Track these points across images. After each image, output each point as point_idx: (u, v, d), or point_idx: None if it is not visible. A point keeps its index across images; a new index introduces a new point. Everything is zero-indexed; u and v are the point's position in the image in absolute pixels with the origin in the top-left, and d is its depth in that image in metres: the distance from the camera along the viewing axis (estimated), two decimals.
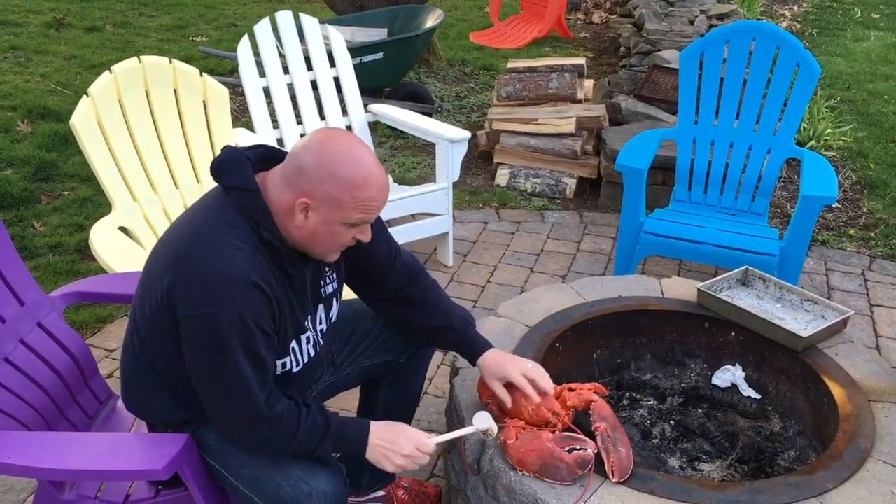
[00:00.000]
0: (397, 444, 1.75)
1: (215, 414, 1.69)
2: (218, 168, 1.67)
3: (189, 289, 1.58)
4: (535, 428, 1.86)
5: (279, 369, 1.76)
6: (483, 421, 1.83)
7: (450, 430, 2.16)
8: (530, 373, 1.91)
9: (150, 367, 1.75)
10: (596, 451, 1.78)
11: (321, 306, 1.86)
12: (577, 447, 1.78)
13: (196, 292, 1.58)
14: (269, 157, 1.72)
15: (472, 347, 1.98)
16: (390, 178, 4.11)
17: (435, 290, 2.03)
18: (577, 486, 1.74)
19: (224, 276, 1.56)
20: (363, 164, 1.61)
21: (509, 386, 1.92)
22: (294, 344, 1.77)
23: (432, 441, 1.80)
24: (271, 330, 1.65)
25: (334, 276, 1.90)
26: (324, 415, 1.73)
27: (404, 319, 2.04)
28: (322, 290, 1.85)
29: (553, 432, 1.83)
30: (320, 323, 1.86)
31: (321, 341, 1.88)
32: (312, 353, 1.84)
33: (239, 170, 1.65)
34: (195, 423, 1.79)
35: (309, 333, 1.81)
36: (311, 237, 1.66)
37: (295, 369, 1.80)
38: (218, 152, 2.95)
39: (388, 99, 5.40)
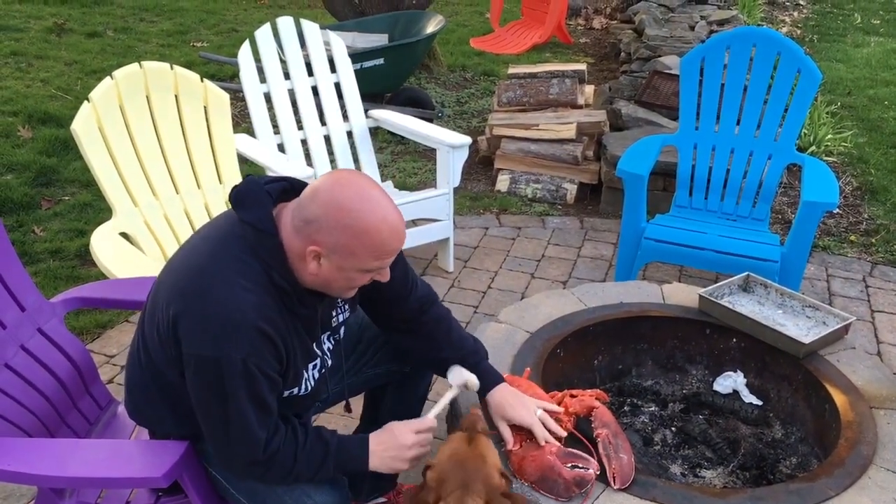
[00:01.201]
0: (398, 442, 1.74)
1: (216, 448, 1.69)
2: (236, 199, 1.63)
3: (193, 327, 1.56)
4: None
5: (285, 395, 1.75)
6: (458, 376, 1.82)
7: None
8: (537, 424, 1.85)
9: (155, 382, 1.74)
10: (597, 472, 1.76)
11: (328, 332, 1.85)
12: (580, 465, 1.77)
13: (200, 332, 1.56)
14: (290, 190, 1.68)
15: (483, 382, 1.93)
16: (391, 184, 4.11)
17: (446, 320, 1.99)
18: (579, 494, 1.74)
19: (229, 320, 1.54)
20: (373, 211, 1.56)
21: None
22: (304, 372, 1.77)
23: (429, 416, 1.80)
24: (276, 373, 1.63)
25: (346, 306, 1.88)
26: (322, 440, 1.71)
27: (414, 349, 2.01)
28: (333, 319, 1.85)
29: (558, 445, 1.82)
30: (324, 343, 1.86)
31: (329, 361, 1.88)
32: (318, 375, 1.84)
33: (257, 206, 1.61)
34: (197, 437, 1.78)
35: (318, 360, 1.81)
36: (326, 283, 1.63)
37: (303, 393, 1.79)
38: (219, 157, 2.98)
39: (389, 104, 5.40)
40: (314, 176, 3.15)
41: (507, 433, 1.86)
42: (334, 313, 1.84)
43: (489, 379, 1.93)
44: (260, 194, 1.62)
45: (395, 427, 1.77)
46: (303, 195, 1.60)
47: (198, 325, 1.56)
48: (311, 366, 1.79)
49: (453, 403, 2.10)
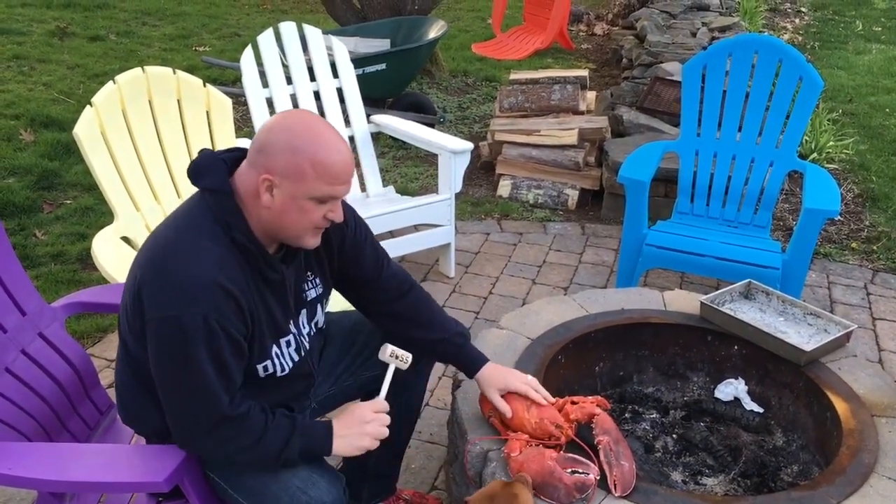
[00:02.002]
0: (355, 420, 1.76)
1: (175, 419, 1.66)
2: (193, 171, 1.68)
3: (155, 291, 1.58)
4: (541, 444, 1.85)
5: (261, 373, 1.75)
6: (384, 351, 1.87)
7: (451, 442, 2.16)
8: (531, 382, 1.95)
9: (135, 374, 1.75)
10: (598, 477, 1.76)
11: (304, 311, 1.86)
12: (580, 470, 1.76)
13: (161, 294, 1.58)
14: (244, 158, 1.71)
15: (470, 362, 1.99)
16: (392, 189, 4.11)
17: (428, 304, 2.03)
18: (580, 500, 1.73)
19: (189, 278, 1.56)
20: (320, 133, 1.61)
21: (508, 399, 1.94)
22: (275, 347, 1.76)
23: (379, 398, 1.83)
24: (240, 335, 1.63)
25: (318, 280, 1.89)
26: (289, 417, 1.72)
27: (399, 334, 2.03)
28: (304, 294, 1.85)
29: (558, 451, 1.82)
30: (304, 327, 1.86)
31: (307, 345, 1.88)
32: (297, 357, 1.83)
33: (212, 172, 1.66)
34: None
35: (290, 337, 1.81)
36: (280, 217, 1.64)
37: (280, 373, 1.79)
38: None
39: (391, 109, 5.41)
40: None
41: (502, 405, 1.91)
42: (305, 287, 1.85)
43: (476, 360, 1.99)
44: (214, 162, 1.67)
45: (353, 407, 1.80)
46: (257, 132, 1.66)
47: (159, 288, 1.58)
48: (283, 342, 1.78)
49: (454, 407, 2.10)
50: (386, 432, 1.79)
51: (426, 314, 2.01)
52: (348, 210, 1.87)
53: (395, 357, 1.88)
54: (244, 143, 3.41)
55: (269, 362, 1.75)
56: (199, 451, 1.73)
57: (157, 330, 1.59)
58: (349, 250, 1.91)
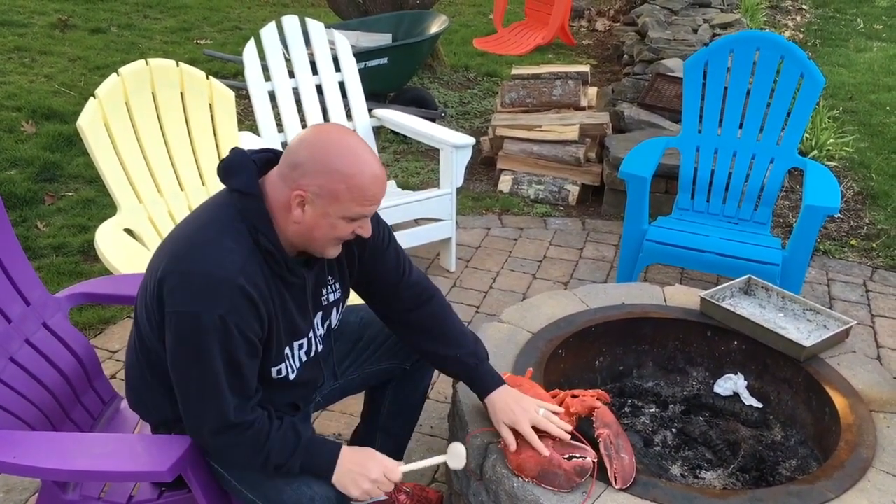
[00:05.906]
0: (366, 468, 1.72)
1: (186, 414, 1.67)
2: (224, 169, 1.68)
3: (176, 285, 1.59)
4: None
5: (274, 375, 1.76)
6: (456, 459, 1.80)
7: (452, 435, 2.17)
8: (541, 423, 1.83)
9: (149, 364, 1.76)
10: (595, 460, 1.78)
11: (320, 313, 1.86)
12: (577, 455, 1.78)
13: (182, 290, 1.58)
14: (274, 160, 1.72)
15: (483, 384, 1.93)
16: (393, 183, 4.12)
17: (445, 317, 1.99)
18: (580, 492, 1.75)
19: (211, 276, 1.57)
20: (357, 155, 1.61)
21: None
22: (287, 350, 1.77)
23: (400, 469, 1.76)
24: (256, 337, 1.64)
25: (337, 286, 1.89)
26: (296, 430, 1.70)
27: (412, 343, 2.02)
28: (323, 297, 1.85)
29: (554, 439, 1.83)
30: (318, 329, 1.87)
31: (320, 346, 1.88)
32: (305, 358, 1.84)
33: (242, 173, 1.66)
34: None
35: (304, 340, 1.81)
36: (308, 231, 1.65)
37: (291, 376, 1.80)
38: (224, 155, 2.98)
39: (392, 104, 5.41)
40: None
41: (509, 437, 1.84)
42: (324, 291, 1.85)
43: (489, 382, 1.92)
44: (245, 162, 1.68)
45: (370, 454, 1.75)
46: (289, 144, 1.65)
47: (181, 283, 1.59)
48: (296, 345, 1.79)
49: (455, 400, 2.11)
50: (377, 495, 1.74)
51: (441, 327, 1.97)
52: (373, 217, 1.85)
53: (447, 464, 1.81)
54: (247, 136, 3.43)
55: (282, 366, 1.76)
56: (208, 449, 1.74)
57: (175, 324, 1.59)
58: (369, 256, 1.90)
